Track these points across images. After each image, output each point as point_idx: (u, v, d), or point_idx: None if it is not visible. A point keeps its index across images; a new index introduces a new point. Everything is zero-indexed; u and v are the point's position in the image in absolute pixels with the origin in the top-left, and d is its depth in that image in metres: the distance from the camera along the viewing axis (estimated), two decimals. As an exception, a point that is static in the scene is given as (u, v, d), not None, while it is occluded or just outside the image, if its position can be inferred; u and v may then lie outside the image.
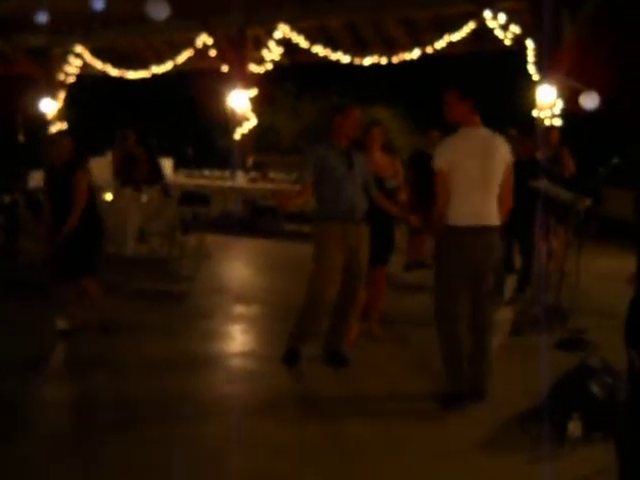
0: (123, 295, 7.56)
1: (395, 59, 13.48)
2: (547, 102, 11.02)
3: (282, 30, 14.11)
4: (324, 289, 5.18)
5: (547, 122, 11.05)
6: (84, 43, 17.96)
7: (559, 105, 11.10)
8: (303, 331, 5.41)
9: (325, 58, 14.28)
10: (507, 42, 11.81)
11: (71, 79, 18.94)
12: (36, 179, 9.03)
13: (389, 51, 13.77)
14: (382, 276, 6.05)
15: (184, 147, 10.85)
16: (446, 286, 4.66)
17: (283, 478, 3.69)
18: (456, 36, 12.49)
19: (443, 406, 4.56)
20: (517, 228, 6.93)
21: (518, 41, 11.66)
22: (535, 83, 11.30)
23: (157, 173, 10.40)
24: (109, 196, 9.65)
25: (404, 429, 4.26)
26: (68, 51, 18.35)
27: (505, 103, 13.33)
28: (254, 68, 14.74)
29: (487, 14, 11.70)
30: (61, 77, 18.88)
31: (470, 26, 12.22)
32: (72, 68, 18.66)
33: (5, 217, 8.68)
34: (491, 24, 11.77)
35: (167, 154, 15.40)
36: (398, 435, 4.17)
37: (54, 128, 18.82)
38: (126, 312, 6.92)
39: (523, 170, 7.09)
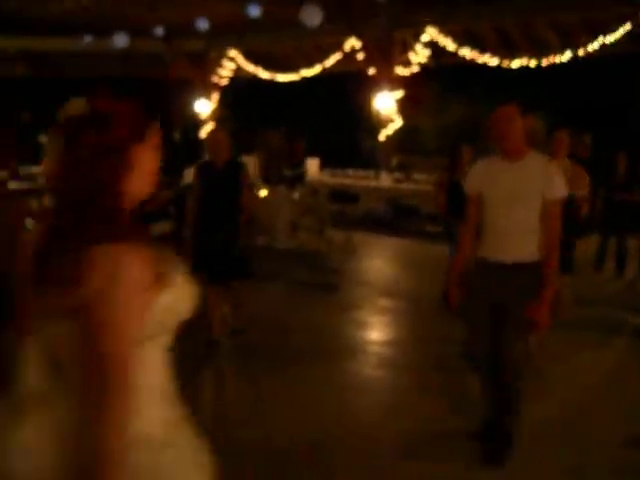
0: (277, 284, 8.09)
1: (545, 62, 13.35)
2: None
3: (429, 33, 14.31)
4: None
5: None
6: (238, 47, 18.95)
7: None
8: None
9: (472, 60, 14.33)
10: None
11: (224, 81, 20.02)
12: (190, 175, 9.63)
13: (539, 53, 13.63)
14: None
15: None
16: None
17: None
18: (610, 38, 12.21)
19: None
20: None
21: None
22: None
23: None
24: (264, 192, 10.25)
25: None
26: (223, 55, 19.42)
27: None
28: (400, 70, 15.02)
29: (644, 16, 11.39)
30: (215, 79, 19.98)
31: (626, 27, 11.93)
32: (226, 71, 19.73)
33: (176, 208, 9.47)
34: (648, 26, 11.45)
35: (314, 154, 15.98)
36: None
37: (207, 127, 19.97)
38: (280, 300, 7.45)
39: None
